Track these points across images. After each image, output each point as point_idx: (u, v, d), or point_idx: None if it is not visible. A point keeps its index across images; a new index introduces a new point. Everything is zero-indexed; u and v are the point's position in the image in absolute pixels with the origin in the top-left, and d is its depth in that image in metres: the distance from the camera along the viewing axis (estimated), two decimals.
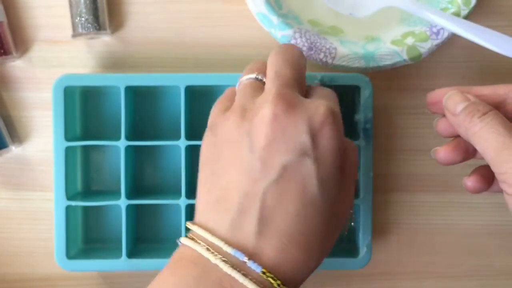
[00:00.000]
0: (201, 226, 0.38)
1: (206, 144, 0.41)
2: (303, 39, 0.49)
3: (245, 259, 0.36)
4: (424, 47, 0.50)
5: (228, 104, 0.42)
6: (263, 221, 0.37)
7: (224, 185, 0.38)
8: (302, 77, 0.42)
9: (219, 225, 0.38)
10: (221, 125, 0.40)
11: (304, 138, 0.38)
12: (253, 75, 0.42)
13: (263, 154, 0.37)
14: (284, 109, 0.38)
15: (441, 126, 0.45)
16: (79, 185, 0.54)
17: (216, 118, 0.41)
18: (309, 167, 0.37)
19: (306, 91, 0.42)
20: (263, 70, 0.42)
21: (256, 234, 0.37)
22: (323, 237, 0.38)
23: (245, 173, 0.38)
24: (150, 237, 0.54)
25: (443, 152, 0.44)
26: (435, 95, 0.45)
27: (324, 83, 0.50)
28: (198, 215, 0.40)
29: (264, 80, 0.42)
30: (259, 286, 0.36)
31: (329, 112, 0.39)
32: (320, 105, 0.39)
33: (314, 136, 0.38)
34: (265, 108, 0.38)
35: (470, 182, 0.45)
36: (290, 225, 0.37)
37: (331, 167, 0.38)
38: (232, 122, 0.39)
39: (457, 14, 0.49)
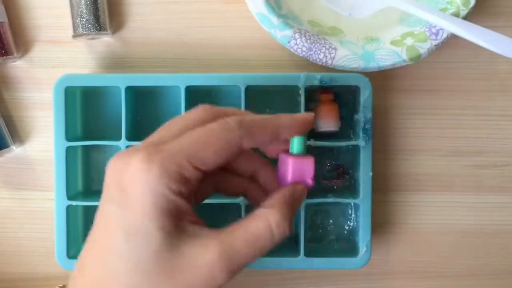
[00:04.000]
0: None
1: None
2: (303, 40, 0.49)
3: None
4: (424, 48, 0.50)
5: None
6: (79, 266, 0.37)
7: None
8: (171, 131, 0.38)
9: None
10: None
11: (113, 185, 0.35)
12: None
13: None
14: (120, 154, 0.36)
15: None
16: (79, 185, 0.54)
17: None
18: (115, 215, 0.35)
19: None
20: None
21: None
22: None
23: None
24: None
25: None
26: None
27: (323, 83, 0.50)
28: None
29: None
30: None
31: (140, 157, 0.34)
32: (138, 150, 0.35)
33: (122, 184, 0.35)
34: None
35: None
36: (94, 271, 0.36)
37: (141, 217, 0.34)
38: None
39: (456, 15, 0.49)
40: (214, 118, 0.37)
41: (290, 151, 0.40)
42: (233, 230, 0.36)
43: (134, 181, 0.34)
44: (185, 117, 0.39)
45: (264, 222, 0.36)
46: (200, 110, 0.39)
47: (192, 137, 0.36)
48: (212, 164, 0.36)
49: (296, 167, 0.39)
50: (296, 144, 0.40)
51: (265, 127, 0.38)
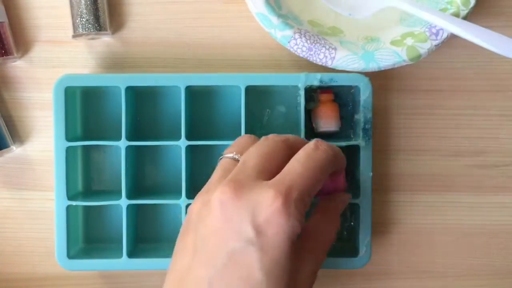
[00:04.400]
0: None
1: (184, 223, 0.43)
2: (303, 40, 0.49)
3: None
4: (424, 48, 0.50)
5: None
6: None
7: (177, 269, 0.39)
8: (271, 166, 0.41)
9: None
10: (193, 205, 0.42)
11: (246, 227, 0.37)
12: (231, 154, 0.43)
13: (208, 241, 0.38)
14: (230, 196, 0.38)
15: None
16: (79, 185, 0.54)
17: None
18: (252, 256, 0.37)
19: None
20: (244, 149, 0.43)
21: None
22: None
23: (192, 260, 0.38)
24: (151, 237, 0.54)
25: None
26: None
27: (323, 83, 0.50)
28: None
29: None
30: None
31: (278, 202, 0.38)
32: (270, 192, 0.38)
33: (258, 224, 0.37)
34: (214, 195, 0.39)
35: None
36: None
37: (279, 255, 0.38)
38: (196, 204, 0.41)
39: (456, 15, 0.49)
40: (290, 148, 0.42)
41: None
42: (318, 240, 0.43)
43: (272, 222, 0.37)
44: (273, 150, 0.42)
45: (335, 226, 0.44)
46: (279, 144, 0.43)
47: (310, 173, 0.40)
48: None
49: (343, 177, 0.47)
50: None
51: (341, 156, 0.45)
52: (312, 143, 0.42)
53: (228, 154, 0.44)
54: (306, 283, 0.40)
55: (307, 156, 0.41)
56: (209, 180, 0.43)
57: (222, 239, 0.38)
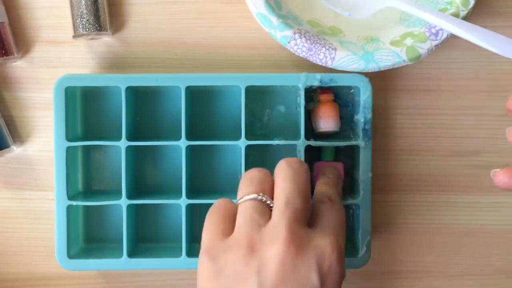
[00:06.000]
0: None
1: (206, 273, 0.39)
2: (303, 40, 0.49)
3: None
4: (423, 48, 0.50)
5: (225, 226, 0.40)
6: None
7: None
8: (309, 200, 0.41)
9: None
10: (224, 256, 0.39)
11: (313, 279, 0.38)
12: (256, 196, 0.41)
13: None
14: (295, 250, 0.38)
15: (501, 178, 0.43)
16: (80, 185, 0.54)
17: (214, 244, 0.39)
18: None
19: (312, 211, 0.42)
20: (266, 188, 0.41)
21: None
22: None
23: None
24: (151, 236, 0.54)
25: (503, 177, 0.43)
26: None
27: (323, 84, 0.50)
28: None
29: (269, 202, 0.40)
30: None
31: (336, 251, 0.39)
32: (328, 244, 0.39)
33: (322, 275, 0.38)
34: (276, 247, 0.38)
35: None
36: None
37: None
38: (239, 256, 0.38)
39: (456, 15, 0.49)
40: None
41: (322, 159, 0.52)
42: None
43: (332, 271, 0.40)
44: (305, 181, 0.42)
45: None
46: (304, 173, 0.42)
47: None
48: None
49: None
50: (328, 153, 0.52)
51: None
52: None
53: (252, 195, 0.41)
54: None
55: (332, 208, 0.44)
56: (241, 232, 0.39)
57: None
